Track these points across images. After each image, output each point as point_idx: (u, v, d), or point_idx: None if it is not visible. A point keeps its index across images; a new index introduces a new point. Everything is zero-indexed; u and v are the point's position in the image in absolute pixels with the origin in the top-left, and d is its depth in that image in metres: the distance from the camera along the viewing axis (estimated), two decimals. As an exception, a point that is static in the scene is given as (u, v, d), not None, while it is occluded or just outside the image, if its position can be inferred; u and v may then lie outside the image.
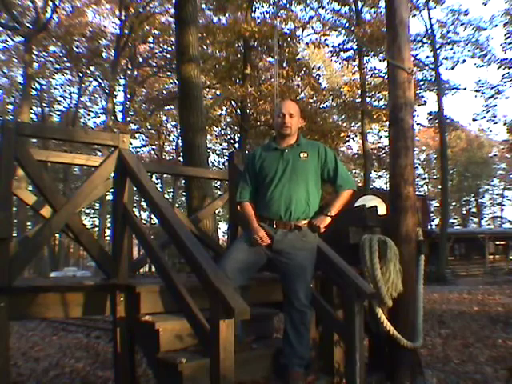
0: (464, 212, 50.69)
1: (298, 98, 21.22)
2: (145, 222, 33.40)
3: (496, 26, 24.69)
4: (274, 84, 17.17)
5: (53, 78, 31.06)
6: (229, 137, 25.97)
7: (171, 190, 36.62)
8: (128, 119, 26.72)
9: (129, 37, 26.01)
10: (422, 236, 4.00)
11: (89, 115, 34.94)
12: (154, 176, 27.36)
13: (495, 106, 26.34)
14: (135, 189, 3.54)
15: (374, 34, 20.33)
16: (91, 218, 38.57)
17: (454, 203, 46.84)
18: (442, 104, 23.77)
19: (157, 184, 33.03)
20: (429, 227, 29.90)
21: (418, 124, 26.34)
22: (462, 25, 24.72)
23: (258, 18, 21.17)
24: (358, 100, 23.01)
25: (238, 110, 21.71)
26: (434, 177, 44.43)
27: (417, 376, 3.82)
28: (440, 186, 27.93)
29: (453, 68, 25.78)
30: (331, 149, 3.36)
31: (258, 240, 2.99)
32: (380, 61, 23.50)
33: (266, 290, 3.96)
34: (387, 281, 3.52)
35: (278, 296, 3.98)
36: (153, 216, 28.41)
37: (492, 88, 25.73)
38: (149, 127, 28.54)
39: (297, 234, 3.04)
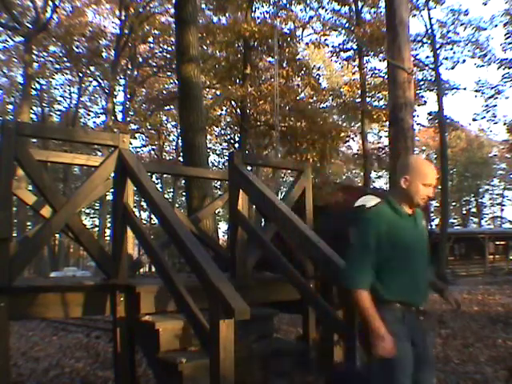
0: (464, 212, 50.68)
1: (298, 97, 21.23)
2: (145, 222, 33.38)
3: (496, 26, 24.68)
4: (274, 84, 17.18)
5: (53, 78, 31.11)
6: (229, 137, 25.95)
7: (171, 190, 36.61)
8: (128, 119, 26.71)
9: (129, 37, 26.02)
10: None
11: (89, 115, 35.00)
12: (153, 176, 27.36)
13: (495, 105, 26.30)
14: (135, 189, 3.54)
15: (374, 33, 20.30)
16: (91, 218, 38.56)
17: (454, 203, 46.83)
18: (442, 104, 23.74)
19: (157, 184, 33.02)
20: (429, 227, 29.90)
21: (418, 124, 26.30)
22: (462, 25, 24.70)
23: (258, 17, 21.17)
24: (358, 100, 22.99)
25: (238, 110, 21.69)
26: (434, 177, 44.36)
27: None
28: (440, 186, 27.93)
29: (453, 68, 25.77)
30: None
31: (388, 349, 2.18)
32: (380, 61, 23.47)
33: (266, 289, 3.97)
34: (387, 281, 3.51)
35: (277, 296, 3.99)
36: (153, 216, 28.41)
37: (492, 88, 25.71)
38: (149, 127, 28.55)
39: (423, 320, 2.45)
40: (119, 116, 27.92)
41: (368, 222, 2.39)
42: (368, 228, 2.36)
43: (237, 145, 23.11)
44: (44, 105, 32.35)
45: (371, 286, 2.31)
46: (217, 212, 12.32)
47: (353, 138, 25.85)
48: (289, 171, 18.97)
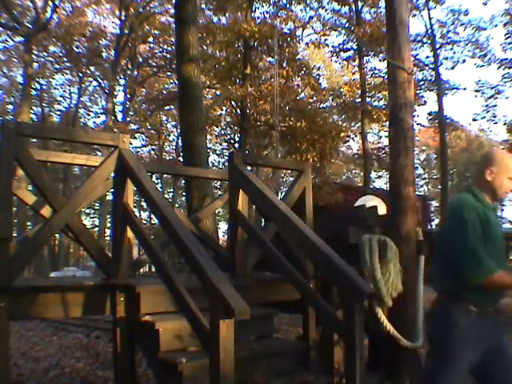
0: (464, 212, 50.58)
1: (298, 97, 21.22)
2: (145, 222, 33.36)
3: (496, 25, 24.68)
4: (274, 84, 17.18)
5: (53, 78, 31.06)
6: (229, 137, 25.93)
7: (171, 190, 36.60)
8: (128, 119, 26.70)
9: (129, 37, 26.00)
10: (421, 236, 4.00)
11: (89, 115, 34.96)
12: (153, 176, 27.35)
13: (495, 105, 26.30)
14: (135, 189, 3.54)
15: (374, 33, 20.29)
16: (91, 218, 38.54)
17: (454, 203, 46.77)
18: (442, 104, 23.76)
19: (157, 184, 33.01)
20: (429, 227, 29.87)
21: (418, 124, 26.26)
22: (462, 25, 24.72)
23: (258, 17, 21.14)
24: (358, 100, 22.98)
25: (238, 110, 21.68)
26: (434, 177, 44.44)
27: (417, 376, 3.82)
28: (440, 186, 27.93)
29: (453, 68, 25.76)
30: None
31: None
32: (380, 61, 23.45)
33: (266, 289, 3.97)
34: (387, 281, 3.52)
35: (277, 296, 3.99)
36: (153, 216, 28.39)
37: (492, 88, 25.70)
38: (149, 127, 28.53)
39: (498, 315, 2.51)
40: (119, 116, 27.91)
41: (468, 211, 2.31)
42: (471, 217, 2.30)
43: (237, 145, 23.10)
44: (44, 105, 32.33)
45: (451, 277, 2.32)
46: (217, 212, 12.32)
47: (353, 138, 25.80)
48: (289, 171, 18.96)
